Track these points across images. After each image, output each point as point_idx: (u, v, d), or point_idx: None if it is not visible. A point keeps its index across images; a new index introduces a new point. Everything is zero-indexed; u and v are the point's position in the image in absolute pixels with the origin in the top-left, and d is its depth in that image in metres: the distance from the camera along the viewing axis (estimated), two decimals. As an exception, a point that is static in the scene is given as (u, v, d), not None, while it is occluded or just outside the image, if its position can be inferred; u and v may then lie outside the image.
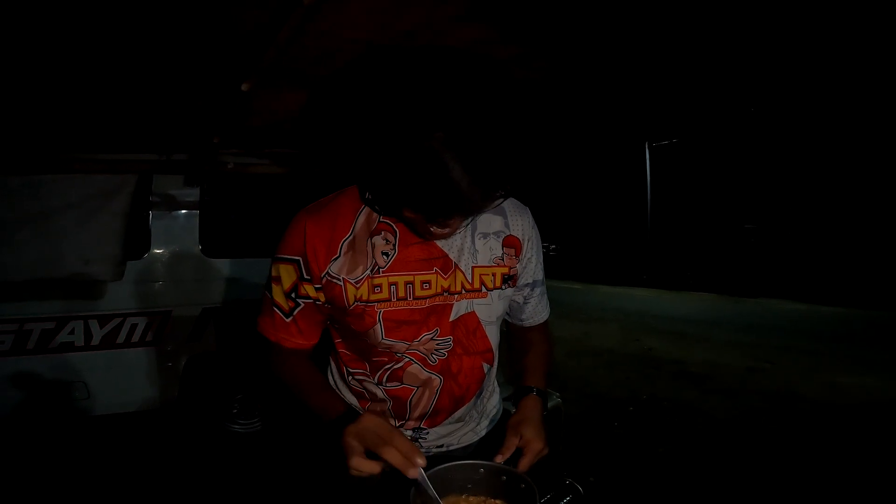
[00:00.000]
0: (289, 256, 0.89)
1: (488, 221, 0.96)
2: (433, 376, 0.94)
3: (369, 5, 0.93)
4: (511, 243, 0.98)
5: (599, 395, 3.91)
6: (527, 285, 1.05)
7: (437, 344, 0.92)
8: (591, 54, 1.30)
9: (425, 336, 0.91)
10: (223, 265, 2.89)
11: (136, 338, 2.65)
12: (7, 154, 1.76)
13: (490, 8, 0.97)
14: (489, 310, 0.96)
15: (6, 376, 2.43)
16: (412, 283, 0.89)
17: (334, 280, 0.87)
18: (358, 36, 1.04)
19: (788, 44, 1.29)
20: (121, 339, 2.62)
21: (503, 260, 0.97)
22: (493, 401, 1.10)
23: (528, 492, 0.77)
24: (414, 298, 0.89)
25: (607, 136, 11.58)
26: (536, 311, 1.09)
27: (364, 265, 0.88)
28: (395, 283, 0.88)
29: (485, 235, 0.95)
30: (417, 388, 0.94)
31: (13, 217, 2.03)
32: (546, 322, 1.13)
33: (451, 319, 0.92)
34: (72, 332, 2.51)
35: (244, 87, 1.18)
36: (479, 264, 0.94)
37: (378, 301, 0.88)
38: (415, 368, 0.93)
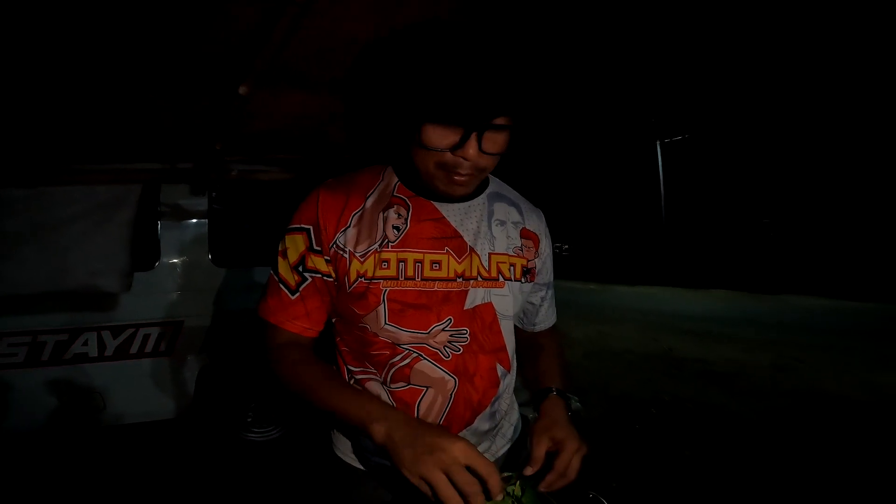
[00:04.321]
0: (299, 226, 0.84)
1: (504, 210, 0.93)
2: (447, 376, 0.85)
3: (365, 1, 0.89)
4: (528, 235, 0.95)
5: (619, 397, 3.81)
6: (544, 285, 1.01)
7: (451, 335, 0.85)
8: (601, 52, 1.26)
9: (436, 327, 0.84)
10: (234, 274, 2.88)
11: (149, 348, 2.65)
12: (9, 166, 1.76)
13: (489, 4, 0.92)
14: (506, 302, 0.90)
15: (21, 388, 2.43)
16: (422, 261, 0.84)
17: (341, 252, 0.83)
18: (354, 33, 1.00)
19: (801, 37, 1.23)
20: (134, 349, 2.62)
21: (522, 251, 0.93)
22: (511, 418, 1.01)
23: None
24: (422, 279, 0.83)
25: (618, 135, 11.48)
26: (548, 315, 1.06)
27: (372, 238, 0.83)
28: (404, 260, 0.83)
29: (501, 223, 0.92)
30: (427, 389, 0.85)
31: (18, 231, 2.04)
32: (555, 325, 1.09)
33: (465, 308, 0.86)
34: (85, 344, 2.52)
35: (242, 90, 1.15)
36: (496, 251, 0.89)
37: (384, 278, 0.82)
38: (425, 365, 0.84)
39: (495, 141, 0.76)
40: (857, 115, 8.13)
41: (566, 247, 13.11)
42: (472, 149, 0.74)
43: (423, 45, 0.73)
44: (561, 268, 1.08)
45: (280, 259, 0.86)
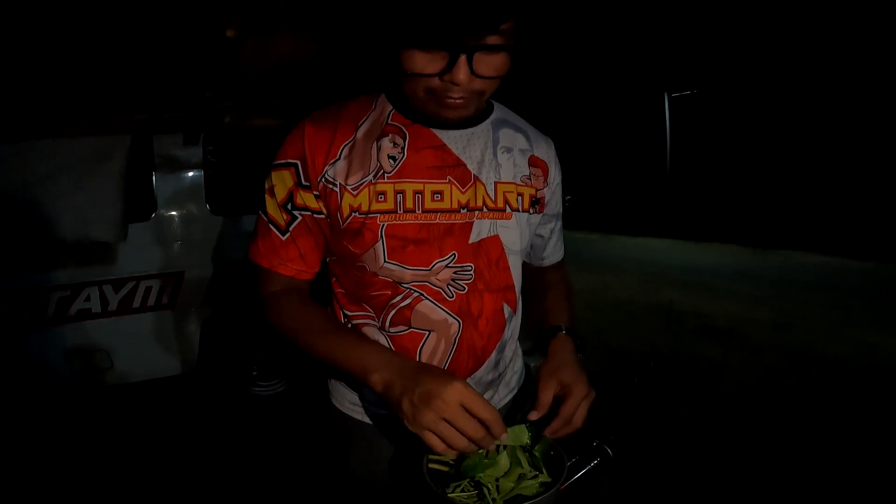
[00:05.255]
0: (285, 161, 0.78)
1: (511, 137, 0.87)
2: (451, 318, 0.80)
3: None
4: (537, 163, 0.89)
5: (619, 350, 3.85)
6: (554, 216, 0.97)
7: (455, 272, 0.79)
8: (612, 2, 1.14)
9: (438, 263, 0.78)
10: (233, 223, 2.82)
11: (151, 301, 2.64)
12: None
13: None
14: (514, 235, 0.84)
15: (30, 348, 2.45)
16: (422, 192, 0.77)
17: (331, 186, 0.77)
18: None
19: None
20: (137, 303, 2.61)
21: (531, 180, 0.87)
22: (515, 365, 0.97)
23: (557, 458, 0.69)
24: (423, 211, 0.77)
25: (626, 86, 11.08)
26: (556, 248, 1.03)
27: (365, 170, 0.77)
28: (403, 192, 0.77)
29: (508, 150, 0.85)
30: (430, 333, 0.80)
31: (7, 186, 1.99)
32: (563, 261, 1.06)
33: (470, 242, 0.80)
34: (87, 299, 2.50)
35: (229, 33, 1.04)
36: (502, 180, 0.83)
37: (381, 212, 0.76)
38: (426, 306, 0.79)
39: (489, 63, 0.68)
40: (870, 75, 7.74)
41: (569, 197, 12.90)
42: (462, 73, 0.66)
43: None
44: (564, 217, 1.04)
45: (268, 197, 0.81)
